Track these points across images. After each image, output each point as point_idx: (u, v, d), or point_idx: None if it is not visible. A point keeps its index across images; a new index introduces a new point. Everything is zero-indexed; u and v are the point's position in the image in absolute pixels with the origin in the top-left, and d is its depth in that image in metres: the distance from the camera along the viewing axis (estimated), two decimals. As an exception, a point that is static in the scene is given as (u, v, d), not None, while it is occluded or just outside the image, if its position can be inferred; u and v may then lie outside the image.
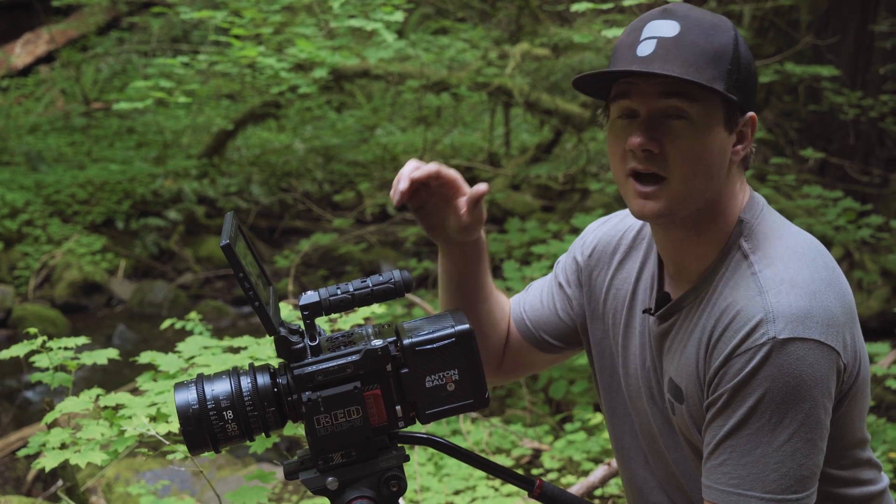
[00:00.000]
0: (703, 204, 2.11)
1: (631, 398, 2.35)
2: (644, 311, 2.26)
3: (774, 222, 2.17)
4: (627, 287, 2.35)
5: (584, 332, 2.46)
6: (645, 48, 2.07)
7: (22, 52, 15.74)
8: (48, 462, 3.03)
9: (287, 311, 3.45)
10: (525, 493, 2.20)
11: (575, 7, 5.79)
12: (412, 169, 2.16)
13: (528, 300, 2.54)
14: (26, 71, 15.68)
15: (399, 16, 6.98)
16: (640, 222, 2.37)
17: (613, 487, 5.20)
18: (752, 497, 2.03)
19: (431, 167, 2.17)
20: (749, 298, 2.04)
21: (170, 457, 3.29)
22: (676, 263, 2.21)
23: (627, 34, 2.13)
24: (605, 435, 5.61)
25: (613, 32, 5.97)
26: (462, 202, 2.22)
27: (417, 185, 2.17)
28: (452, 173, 2.20)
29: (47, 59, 15.74)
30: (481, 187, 2.19)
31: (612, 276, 2.38)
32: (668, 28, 2.07)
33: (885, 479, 2.30)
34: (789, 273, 2.05)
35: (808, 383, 2.00)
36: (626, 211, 2.43)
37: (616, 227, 2.43)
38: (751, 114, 2.11)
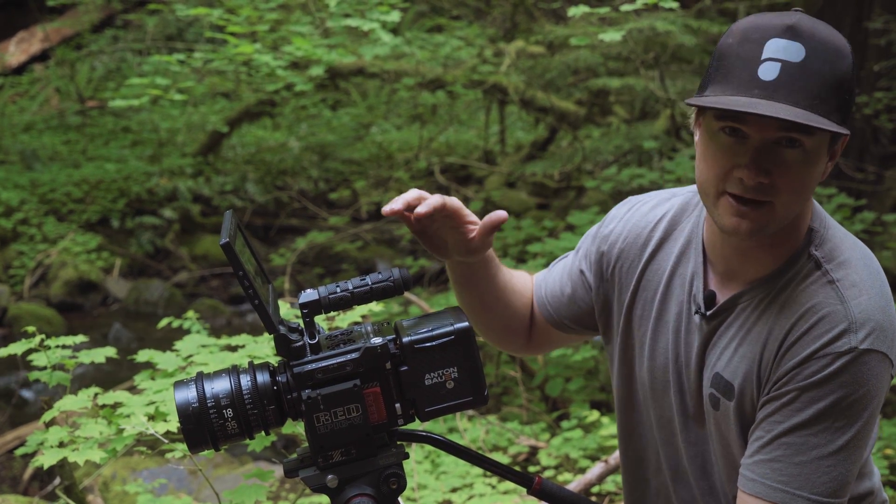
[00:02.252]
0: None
1: (653, 390, 2.35)
2: (695, 313, 2.25)
3: (839, 230, 2.20)
4: (659, 280, 2.34)
5: (604, 318, 2.46)
6: (768, 71, 2.00)
7: (16, 51, 15.72)
8: (47, 460, 3.03)
9: (284, 310, 3.45)
10: (522, 490, 2.21)
11: (572, 12, 5.78)
12: (414, 197, 2.14)
13: (548, 285, 2.54)
14: (21, 69, 15.66)
15: (395, 15, 6.96)
16: (672, 211, 2.36)
17: (610, 485, 5.20)
18: (800, 497, 2.05)
19: (436, 201, 2.14)
20: (832, 306, 2.07)
21: (168, 455, 3.29)
22: (732, 266, 2.21)
23: (740, 44, 2.05)
24: (602, 432, 5.61)
25: (610, 35, 5.95)
26: (470, 227, 2.23)
27: (422, 219, 2.14)
28: (456, 203, 2.19)
29: (42, 57, 15.72)
30: (501, 214, 2.18)
31: (644, 267, 2.37)
32: (793, 51, 2.00)
33: (878, 473, 2.36)
34: (865, 285, 2.10)
35: (872, 394, 2.06)
36: (655, 197, 2.44)
37: (646, 216, 2.40)
38: (847, 133, 2.05)
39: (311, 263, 10.85)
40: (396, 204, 2.12)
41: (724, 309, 2.20)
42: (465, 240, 2.25)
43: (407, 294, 7.12)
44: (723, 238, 2.20)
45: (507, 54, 10.19)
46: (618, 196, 9.20)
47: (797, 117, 1.95)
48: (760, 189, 2.03)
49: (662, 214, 2.38)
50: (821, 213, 2.21)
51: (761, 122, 2.00)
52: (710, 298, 2.24)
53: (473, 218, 2.24)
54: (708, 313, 2.22)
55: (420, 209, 2.12)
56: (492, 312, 2.50)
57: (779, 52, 2.01)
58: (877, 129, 9.56)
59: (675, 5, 5.61)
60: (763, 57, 2.01)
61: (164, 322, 4.25)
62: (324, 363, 1.94)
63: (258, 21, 7.54)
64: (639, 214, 2.43)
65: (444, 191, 11.76)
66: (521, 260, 8.11)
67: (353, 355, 1.94)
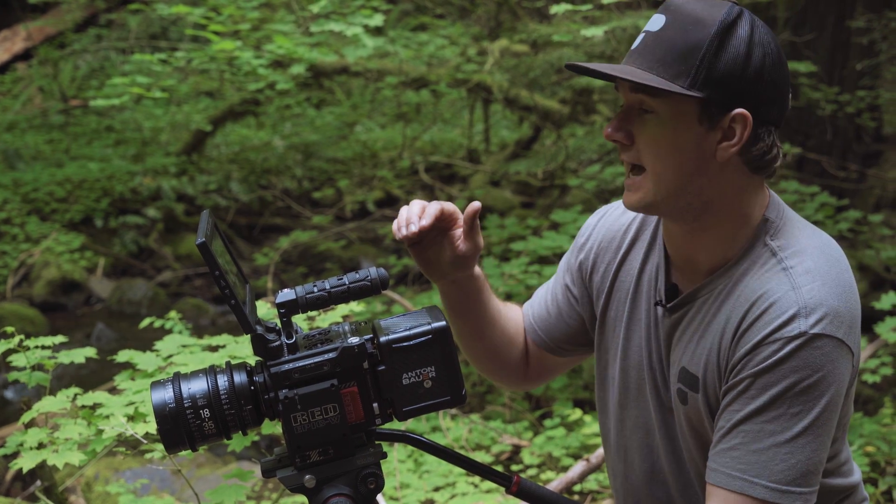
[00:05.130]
0: (692, 199, 2.14)
1: (627, 390, 2.36)
2: (656, 304, 2.28)
3: (798, 221, 2.22)
4: (631, 279, 2.37)
5: (593, 327, 2.48)
6: (637, 41, 2.14)
7: (-1, 50, 15.64)
8: (25, 462, 3.01)
9: (266, 309, 3.45)
10: (503, 489, 2.21)
11: (554, 9, 5.80)
12: (419, 212, 2.21)
13: (535, 310, 2.57)
14: (3, 68, 15.59)
15: (378, 19, 6.96)
16: (641, 214, 2.39)
17: (592, 483, 5.21)
18: (758, 485, 2.06)
19: (435, 209, 2.21)
20: (783, 292, 2.08)
21: (148, 455, 3.28)
22: (685, 257, 2.25)
23: None
24: (585, 431, 5.62)
25: (592, 31, 5.99)
26: (458, 233, 2.27)
27: (425, 231, 2.21)
28: (452, 207, 2.25)
29: (24, 56, 15.65)
30: (475, 205, 2.25)
31: (617, 269, 2.40)
32: (657, 22, 2.12)
33: (858, 471, 2.37)
34: (820, 271, 2.10)
35: (829, 380, 2.05)
36: None
37: (618, 220, 2.44)
38: (738, 110, 2.08)
39: (295, 262, 10.83)
40: (412, 228, 2.19)
41: (685, 301, 2.23)
42: (453, 246, 2.28)
43: (390, 293, 7.12)
44: (665, 227, 2.27)
45: (491, 53, 10.19)
46: (601, 194, 9.22)
47: (615, 71, 2.08)
48: (627, 149, 2.14)
49: (633, 217, 2.42)
50: (779, 204, 2.22)
51: (622, 84, 2.13)
52: (671, 290, 2.27)
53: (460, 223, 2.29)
54: (669, 305, 2.25)
55: (423, 222, 2.19)
56: (486, 341, 2.50)
57: (650, 23, 2.14)
58: (859, 127, 9.60)
59: (659, -3, 5.61)
60: (644, 28, 2.16)
61: (146, 322, 4.24)
62: (301, 363, 1.94)
63: (241, 20, 7.52)
64: (611, 220, 2.47)
65: (429, 189, 11.75)
66: (504, 258, 8.11)
67: (331, 355, 1.94)
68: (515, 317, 2.58)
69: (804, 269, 2.10)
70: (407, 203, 2.27)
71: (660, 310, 2.27)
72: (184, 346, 3.49)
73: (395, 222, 2.23)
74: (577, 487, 5.11)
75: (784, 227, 2.18)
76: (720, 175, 2.13)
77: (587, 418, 5.74)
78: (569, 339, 2.53)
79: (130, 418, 3.08)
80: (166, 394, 1.95)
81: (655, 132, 2.11)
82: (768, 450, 2.05)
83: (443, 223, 2.25)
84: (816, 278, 2.08)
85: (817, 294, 2.06)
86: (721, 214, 2.16)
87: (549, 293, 2.56)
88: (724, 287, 2.17)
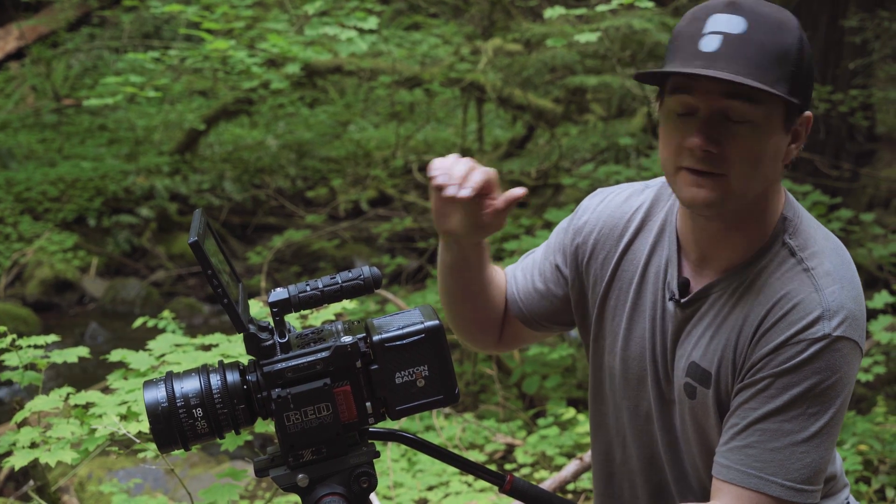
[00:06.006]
0: (749, 200, 2.13)
1: (627, 380, 2.36)
2: (669, 299, 2.26)
3: (812, 220, 2.23)
4: (635, 269, 2.34)
5: (580, 311, 2.46)
6: (709, 43, 2.04)
7: (-9, 49, 15.61)
8: (17, 461, 3.01)
9: (259, 308, 3.45)
10: (497, 488, 2.21)
11: (548, 14, 5.79)
12: (465, 173, 2.15)
13: (519, 282, 2.53)
14: (-4, 67, 15.57)
15: (373, 22, 6.95)
16: (647, 202, 2.36)
17: (586, 482, 5.21)
18: (774, 483, 2.07)
19: (480, 178, 2.16)
20: (807, 293, 2.09)
21: (141, 455, 3.28)
22: (706, 253, 2.23)
23: (688, 23, 2.09)
24: (578, 430, 5.62)
25: (586, 37, 5.97)
26: (488, 202, 2.23)
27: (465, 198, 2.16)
28: (493, 176, 2.20)
29: (17, 55, 15.62)
30: (519, 191, 2.21)
31: (619, 258, 2.37)
32: (734, 24, 2.04)
33: (840, 458, 2.40)
34: (839, 274, 2.12)
35: (844, 381, 2.09)
36: (628, 189, 2.43)
37: (620, 207, 2.40)
38: (808, 113, 2.10)
39: (289, 262, 10.82)
40: (466, 191, 2.14)
41: (698, 297, 2.21)
42: (478, 214, 2.23)
43: (384, 292, 7.12)
44: (695, 224, 2.22)
45: (485, 52, 10.19)
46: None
47: (734, 79, 1.99)
48: (710, 159, 2.06)
49: (638, 205, 2.38)
50: (794, 203, 2.23)
51: (706, 89, 2.03)
52: (684, 286, 2.25)
53: (496, 195, 2.24)
54: (682, 300, 2.23)
55: (464, 192, 2.14)
56: (472, 303, 2.48)
57: (720, 25, 2.04)
58: (852, 126, 9.61)
59: (650, 4, 5.62)
60: (705, 31, 2.05)
61: (139, 322, 4.24)
62: (294, 362, 1.93)
63: (234, 19, 7.51)
64: (613, 205, 2.42)
65: (423, 189, 11.76)
66: (497, 258, 8.11)
67: (323, 354, 1.93)
68: (501, 283, 2.55)
69: (824, 270, 2.12)
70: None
71: (670, 304, 2.26)
72: (177, 346, 3.49)
73: (439, 168, 2.17)
74: (570, 486, 5.11)
75: (801, 226, 2.19)
76: (777, 177, 2.14)
77: (581, 417, 5.74)
78: (549, 317, 2.50)
79: (123, 417, 3.08)
80: (159, 393, 1.95)
81: (751, 142, 2.06)
82: (785, 448, 2.07)
83: (482, 190, 2.20)
84: (837, 281, 2.11)
85: (839, 297, 2.09)
86: (755, 213, 2.17)
87: (535, 268, 2.52)
88: (740, 283, 2.17)
